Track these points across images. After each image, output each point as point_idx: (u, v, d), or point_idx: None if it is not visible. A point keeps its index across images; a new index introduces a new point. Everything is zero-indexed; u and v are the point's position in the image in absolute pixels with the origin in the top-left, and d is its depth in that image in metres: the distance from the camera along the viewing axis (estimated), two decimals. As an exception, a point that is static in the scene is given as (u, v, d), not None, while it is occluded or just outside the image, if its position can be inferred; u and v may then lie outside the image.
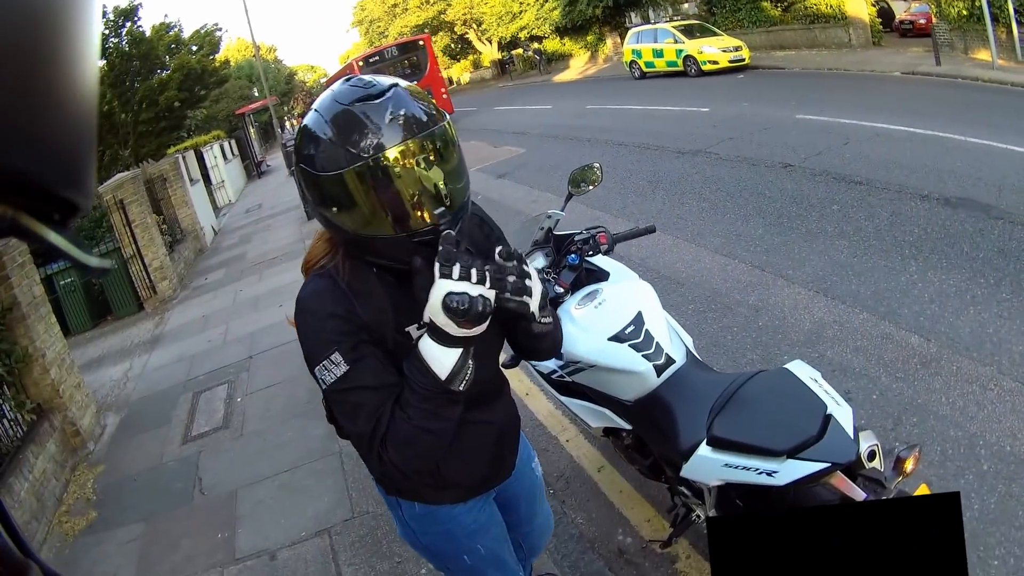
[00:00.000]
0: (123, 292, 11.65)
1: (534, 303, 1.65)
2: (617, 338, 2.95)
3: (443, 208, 1.64)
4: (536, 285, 1.67)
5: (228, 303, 10.83)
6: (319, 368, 1.70)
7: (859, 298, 5.71)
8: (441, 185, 1.62)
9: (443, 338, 1.55)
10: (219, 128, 34.46)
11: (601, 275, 3.37)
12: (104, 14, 25.64)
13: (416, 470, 1.73)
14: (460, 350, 1.58)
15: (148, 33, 27.18)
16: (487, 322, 1.54)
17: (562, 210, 3.47)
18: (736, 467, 2.52)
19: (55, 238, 0.46)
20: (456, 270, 1.50)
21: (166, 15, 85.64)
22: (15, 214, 0.43)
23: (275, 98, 37.46)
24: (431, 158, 1.61)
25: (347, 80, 1.71)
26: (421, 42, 29.72)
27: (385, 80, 1.69)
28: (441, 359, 1.57)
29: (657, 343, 2.95)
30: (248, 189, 28.58)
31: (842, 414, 2.47)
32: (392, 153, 1.57)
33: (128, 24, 26.25)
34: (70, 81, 0.44)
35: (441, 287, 1.51)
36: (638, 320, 3.00)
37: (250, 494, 5.04)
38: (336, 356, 1.68)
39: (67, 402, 6.59)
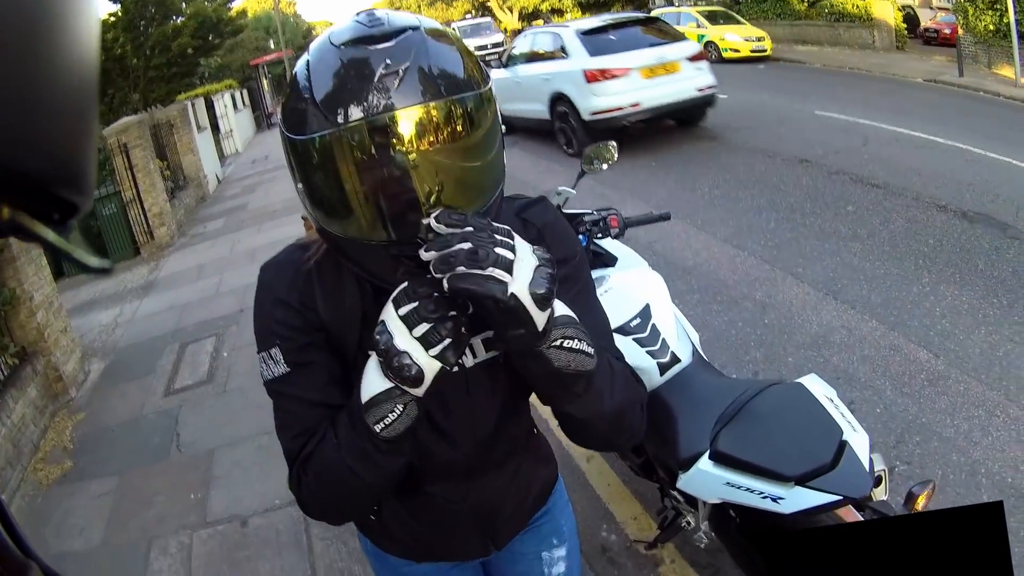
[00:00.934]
0: (120, 236, 11.47)
1: (516, 283, 1.07)
2: (621, 330, 2.77)
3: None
4: (526, 258, 1.11)
5: (225, 253, 10.64)
6: (260, 357, 1.38)
7: (869, 305, 5.56)
8: (434, 183, 1.14)
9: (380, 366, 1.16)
10: (232, 78, 34.12)
11: (609, 260, 3.20)
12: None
13: (329, 509, 1.43)
14: (391, 386, 1.15)
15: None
16: (418, 388, 1.13)
17: (573, 188, 3.31)
18: (739, 487, 2.35)
19: (55, 238, 0.47)
20: (406, 309, 1.10)
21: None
22: (15, 214, 0.43)
23: (291, 51, 36.92)
24: (433, 140, 1.13)
25: (360, 12, 1.23)
26: None
27: (404, 19, 1.20)
28: (371, 380, 1.18)
29: (663, 340, 2.77)
30: (256, 139, 28.22)
31: (858, 442, 2.29)
32: (371, 125, 1.10)
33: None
34: (70, 80, 0.42)
35: (385, 312, 1.13)
36: (645, 313, 2.82)
37: (228, 455, 4.91)
38: (276, 352, 1.35)
39: (52, 347, 6.44)
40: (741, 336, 5.35)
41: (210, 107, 21.78)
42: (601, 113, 11.02)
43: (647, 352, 2.73)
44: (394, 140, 1.11)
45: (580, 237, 3.11)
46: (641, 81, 11.03)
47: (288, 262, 1.42)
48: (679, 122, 12.47)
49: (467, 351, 1.42)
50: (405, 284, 1.13)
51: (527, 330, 1.11)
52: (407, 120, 1.11)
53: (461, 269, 1.04)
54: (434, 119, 1.12)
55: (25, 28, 0.37)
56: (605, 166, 3.40)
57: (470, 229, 1.09)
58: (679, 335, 2.88)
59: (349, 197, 1.17)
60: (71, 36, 0.42)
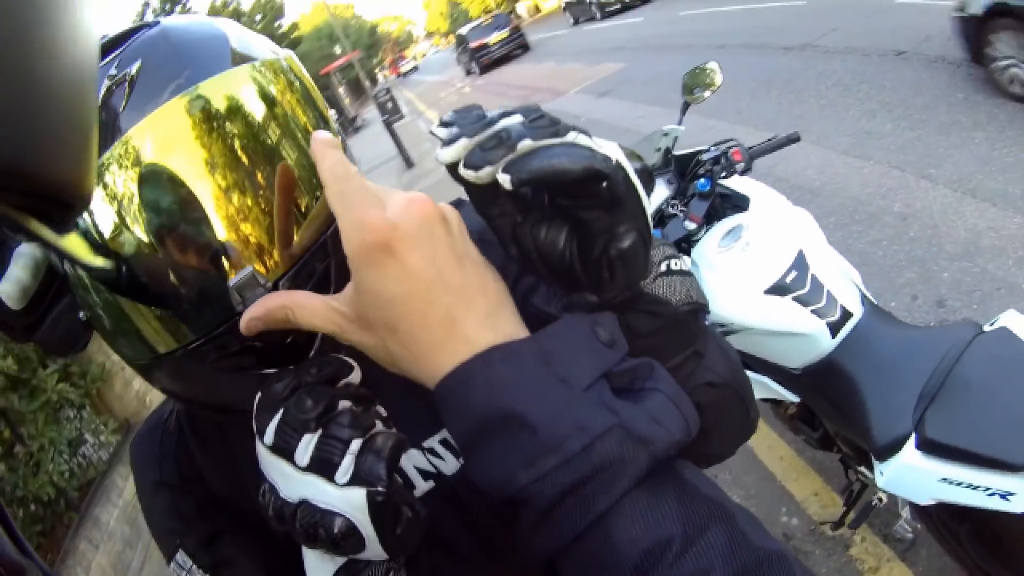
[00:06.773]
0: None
1: (609, 145, 0.62)
2: (777, 289, 2.29)
3: (246, 275, 0.67)
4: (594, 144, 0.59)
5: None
6: (173, 567, 0.90)
7: (1009, 198, 4.98)
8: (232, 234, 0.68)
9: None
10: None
11: (739, 202, 2.67)
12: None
13: None
14: (339, 566, 0.67)
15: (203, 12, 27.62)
16: (364, 551, 0.63)
17: (679, 123, 2.81)
18: (959, 484, 1.87)
19: (53, 238, 0.46)
20: (272, 430, 0.63)
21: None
22: (14, 213, 0.42)
23: (358, 52, 37.09)
24: (201, 147, 0.68)
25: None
26: None
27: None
28: (313, 569, 0.70)
29: (828, 292, 2.28)
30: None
31: None
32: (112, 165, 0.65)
33: (179, 6, 26.22)
34: (68, 76, 0.40)
35: (259, 453, 0.66)
36: (800, 262, 2.33)
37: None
38: (182, 557, 0.88)
39: (157, 409, 6.30)
40: (889, 256, 4.89)
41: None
42: None
43: (812, 312, 2.28)
44: (140, 171, 0.65)
45: (703, 180, 2.63)
46: None
47: (153, 427, 0.98)
48: None
49: None
50: (259, 394, 0.66)
51: (639, 231, 0.61)
52: (154, 132, 0.66)
53: (526, 143, 0.55)
54: (192, 115, 0.68)
55: (23, 28, 0.36)
56: (708, 92, 2.92)
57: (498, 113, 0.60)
58: (844, 281, 2.42)
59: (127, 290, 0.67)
60: (68, 35, 0.39)
